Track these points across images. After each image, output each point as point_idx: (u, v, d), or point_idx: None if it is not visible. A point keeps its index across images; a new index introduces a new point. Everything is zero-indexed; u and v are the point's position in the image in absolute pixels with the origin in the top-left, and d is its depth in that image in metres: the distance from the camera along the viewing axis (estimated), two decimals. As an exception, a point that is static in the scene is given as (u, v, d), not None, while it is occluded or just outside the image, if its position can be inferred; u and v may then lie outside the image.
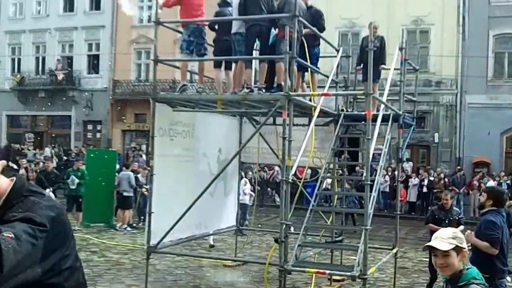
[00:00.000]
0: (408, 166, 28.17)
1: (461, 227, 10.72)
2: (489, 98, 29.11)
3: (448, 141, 30.16)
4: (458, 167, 27.82)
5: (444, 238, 3.81)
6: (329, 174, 13.63)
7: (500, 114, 28.57)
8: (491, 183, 25.34)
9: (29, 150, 35.52)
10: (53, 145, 37.11)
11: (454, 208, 11.86)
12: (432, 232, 10.56)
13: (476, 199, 25.60)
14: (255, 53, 10.87)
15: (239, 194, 14.75)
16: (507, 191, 7.94)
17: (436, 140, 30.17)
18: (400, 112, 11.90)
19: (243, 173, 17.08)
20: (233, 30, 10.22)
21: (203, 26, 10.63)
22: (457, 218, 11.33)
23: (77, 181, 18.18)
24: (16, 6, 41.00)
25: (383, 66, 13.33)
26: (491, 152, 28.70)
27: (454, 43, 29.89)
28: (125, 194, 19.06)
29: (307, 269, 9.04)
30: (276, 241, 9.39)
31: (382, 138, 11.75)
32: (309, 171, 17.37)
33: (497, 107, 28.77)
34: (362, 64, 13.42)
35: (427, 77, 29.73)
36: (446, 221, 10.92)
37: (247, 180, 18.71)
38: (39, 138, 39.95)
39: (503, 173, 26.65)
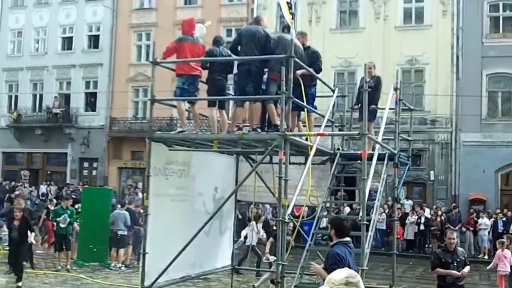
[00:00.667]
0: (407, 204, 28.19)
1: (467, 267, 10.64)
2: (484, 136, 29.31)
3: (444, 178, 30.21)
4: (454, 205, 27.83)
5: (336, 284, 3.51)
6: (326, 213, 13.67)
7: (494, 152, 28.72)
8: (486, 220, 25.40)
9: (24, 187, 35.40)
10: (48, 183, 36.99)
11: (459, 248, 11.15)
12: (441, 277, 10.54)
13: (471, 237, 25.60)
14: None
15: (246, 234, 14.48)
16: (349, 222, 7.42)
17: (432, 178, 30.24)
18: (396, 152, 11.98)
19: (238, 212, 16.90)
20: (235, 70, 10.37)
21: (197, 75, 10.73)
22: (463, 258, 10.77)
23: (68, 220, 18.01)
24: (14, 43, 41.39)
25: (373, 106, 13.35)
26: (487, 189, 28.76)
27: (448, 82, 30.18)
28: (120, 233, 18.84)
29: (303, 310, 9.00)
30: (272, 282, 9.37)
31: (378, 176, 11.82)
32: (306, 208, 17.38)
33: (491, 145, 28.96)
34: (359, 104, 13.50)
35: (422, 116, 29.95)
36: (454, 264, 10.54)
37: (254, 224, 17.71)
38: (35, 176, 39.83)
39: (498, 210, 26.64)
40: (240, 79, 10.39)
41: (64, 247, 18.14)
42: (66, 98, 39.46)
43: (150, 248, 10.16)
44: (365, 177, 9.12)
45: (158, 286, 10.47)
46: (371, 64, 13.32)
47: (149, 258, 10.15)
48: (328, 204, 12.62)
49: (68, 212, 18.19)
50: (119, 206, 20.34)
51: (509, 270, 15.39)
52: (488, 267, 16.73)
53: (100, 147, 37.89)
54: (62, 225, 17.96)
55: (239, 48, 10.61)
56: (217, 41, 11.08)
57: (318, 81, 11.94)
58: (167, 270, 10.08)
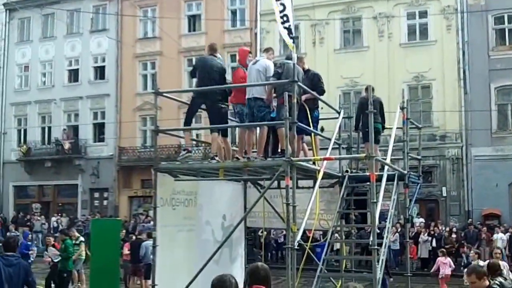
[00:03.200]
0: (418, 222, 27.83)
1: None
2: (495, 150, 29.05)
3: (456, 194, 29.91)
4: (470, 220, 27.52)
5: None
6: (338, 237, 13.53)
7: (506, 165, 28.42)
8: (501, 235, 25.04)
9: (37, 220, 35.49)
10: (59, 215, 37.03)
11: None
12: None
13: (487, 252, 25.22)
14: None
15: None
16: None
17: (444, 194, 29.95)
18: (405, 172, 11.83)
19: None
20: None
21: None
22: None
23: (57, 253, 17.53)
24: (21, 78, 41.59)
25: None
26: (501, 203, 28.42)
27: (456, 97, 30.00)
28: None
29: None
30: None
31: (390, 195, 11.66)
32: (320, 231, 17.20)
33: (503, 159, 28.67)
34: (361, 126, 13.33)
35: (432, 132, 29.73)
36: None
37: None
38: (46, 208, 39.89)
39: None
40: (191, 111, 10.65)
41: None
42: (75, 129, 39.59)
43: (159, 280, 10.03)
44: (374, 201, 8.95)
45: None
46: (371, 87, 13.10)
47: (159, 290, 10.02)
48: (339, 228, 12.46)
49: (63, 246, 17.63)
50: (144, 235, 20.03)
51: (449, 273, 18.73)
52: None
53: (110, 177, 37.92)
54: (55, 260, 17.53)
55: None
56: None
57: (323, 103, 11.85)
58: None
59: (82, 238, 19.86)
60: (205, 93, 10.45)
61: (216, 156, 10.37)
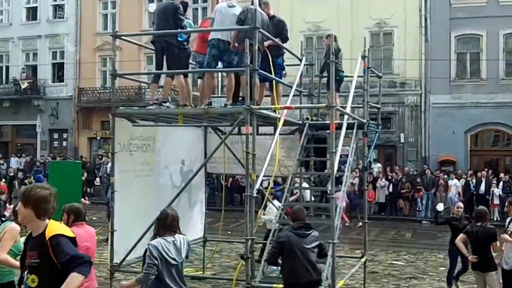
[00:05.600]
0: (376, 167, 28.30)
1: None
2: (453, 98, 29.55)
3: (414, 140, 30.48)
4: (425, 166, 28.09)
5: None
6: (297, 184, 13.69)
7: (464, 113, 29.05)
8: (455, 181, 25.68)
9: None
10: (18, 155, 36.62)
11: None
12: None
13: (443, 197, 25.87)
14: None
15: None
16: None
17: (402, 140, 30.47)
18: (365, 121, 11.93)
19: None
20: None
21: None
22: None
23: None
24: (-22, 16, 40.41)
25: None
26: (456, 150, 29.18)
27: (417, 44, 30.23)
28: None
29: (274, 285, 8.95)
30: (242, 257, 9.32)
31: (349, 139, 11.77)
32: (280, 179, 17.38)
33: (460, 107, 29.25)
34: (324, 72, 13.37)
35: (392, 78, 29.99)
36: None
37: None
38: (5, 148, 39.51)
39: (470, 172, 27.00)
40: (156, 56, 10.39)
41: None
42: (33, 69, 38.89)
43: (118, 225, 10.05)
44: (333, 151, 9.03)
45: (128, 263, 10.38)
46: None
47: (117, 236, 10.05)
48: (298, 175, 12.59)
49: None
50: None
51: None
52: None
53: (69, 118, 37.59)
54: None
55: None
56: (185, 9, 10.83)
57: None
58: (135, 247, 9.96)
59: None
60: (160, 36, 10.23)
61: (167, 101, 10.25)
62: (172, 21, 9.99)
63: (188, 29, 10.38)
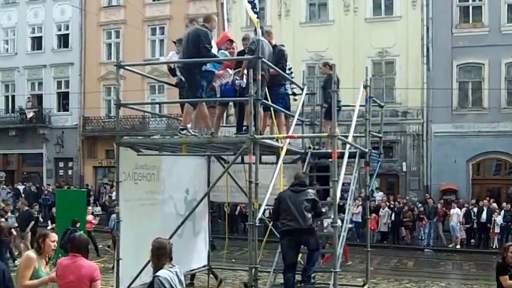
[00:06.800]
0: (378, 196, 28.33)
1: None
2: (455, 126, 29.60)
3: (416, 169, 30.49)
4: (427, 195, 28.08)
5: None
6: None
7: (465, 142, 29.07)
8: (457, 210, 25.70)
9: (3, 189, 35.22)
10: (24, 184, 36.84)
11: None
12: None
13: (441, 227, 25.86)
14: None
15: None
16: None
17: (404, 169, 30.50)
18: (367, 150, 12.05)
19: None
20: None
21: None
22: None
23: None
24: (-17, 45, 40.84)
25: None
26: (458, 179, 29.14)
27: (419, 73, 30.39)
28: None
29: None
30: (245, 285, 9.41)
31: (351, 168, 11.88)
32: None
33: (462, 135, 29.27)
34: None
35: (394, 107, 30.07)
36: None
37: None
38: (11, 177, 39.70)
39: (473, 201, 27.05)
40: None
41: None
42: (39, 98, 39.14)
43: (123, 253, 10.16)
44: (336, 179, 9.16)
45: (132, 291, 10.47)
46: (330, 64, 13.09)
47: (123, 264, 10.15)
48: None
49: None
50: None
51: None
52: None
53: (74, 147, 37.81)
54: None
55: None
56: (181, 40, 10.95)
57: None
58: (140, 274, 10.05)
59: None
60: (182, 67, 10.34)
61: (184, 129, 10.18)
62: (192, 48, 9.98)
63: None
